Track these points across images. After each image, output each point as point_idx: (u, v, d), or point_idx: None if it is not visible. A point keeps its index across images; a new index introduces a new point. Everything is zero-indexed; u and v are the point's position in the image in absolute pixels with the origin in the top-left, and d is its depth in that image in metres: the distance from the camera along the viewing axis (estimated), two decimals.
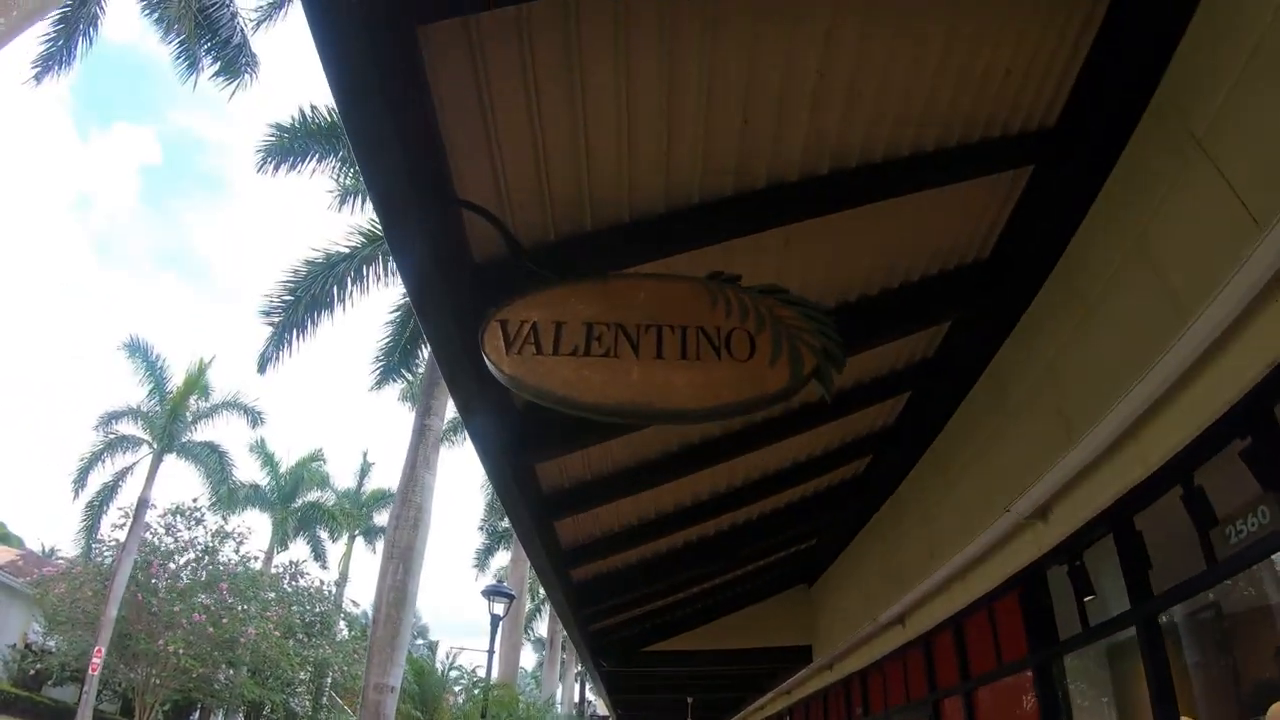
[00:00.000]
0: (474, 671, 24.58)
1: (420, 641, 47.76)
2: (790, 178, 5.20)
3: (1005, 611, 8.23)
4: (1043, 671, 7.46)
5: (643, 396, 3.69)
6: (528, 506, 7.43)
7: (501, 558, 40.13)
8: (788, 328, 3.87)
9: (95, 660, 32.38)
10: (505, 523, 37.57)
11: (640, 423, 3.98)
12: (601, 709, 42.19)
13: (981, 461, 8.17)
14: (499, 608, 18.08)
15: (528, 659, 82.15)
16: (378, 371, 23.52)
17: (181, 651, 33.91)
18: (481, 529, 43.17)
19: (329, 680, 44.87)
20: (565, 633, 25.77)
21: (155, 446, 38.06)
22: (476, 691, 22.24)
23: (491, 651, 18.69)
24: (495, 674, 27.51)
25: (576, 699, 50.37)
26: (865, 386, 8.24)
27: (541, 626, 49.12)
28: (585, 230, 4.93)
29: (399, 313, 22.52)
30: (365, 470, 53.34)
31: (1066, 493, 6.43)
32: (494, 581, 25.16)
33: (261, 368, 21.72)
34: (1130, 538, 6.02)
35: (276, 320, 20.92)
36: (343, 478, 54.84)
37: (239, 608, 37.20)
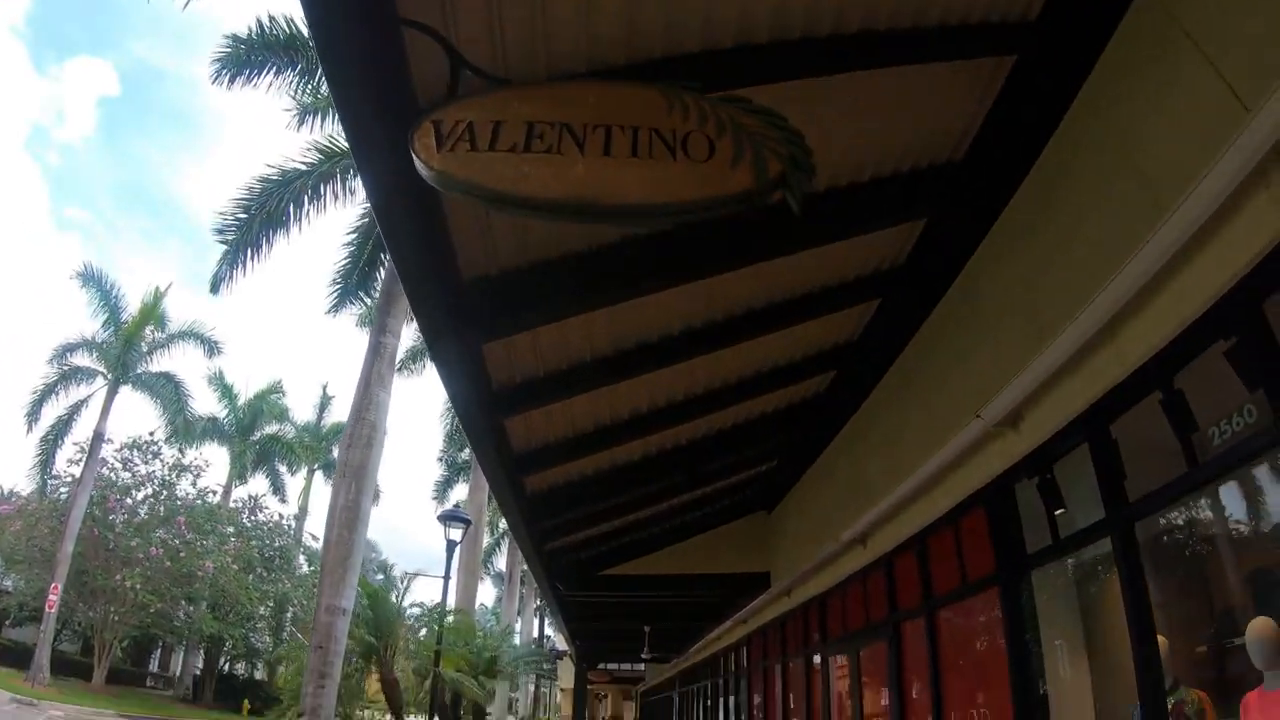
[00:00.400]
0: (433, 610, 24.29)
1: (381, 578, 47.66)
2: (759, 39, 4.89)
3: (971, 528, 8.00)
4: (1009, 589, 7.23)
5: (588, 191, 3.35)
6: (477, 398, 7.15)
7: (460, 491, 39.77)
8: (751, 134, 3.54)
9: (52, 597, 32.17)
10: (465, 454, 37.32)
11: (585, 220, 3.63)
12: (561, 643, 42.25)
13: (951, 371, 7.90)
14: (455, 533, 17.87)
15: (487, 594, 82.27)
16: (335, 294, 23.17)
17: (139, 587, 33.75)
18: (441, 460, 42.84)
19: (289, 614, 44.89)
20: (525, 566, 25.65)
21: (110, 377, 37.59)
22: (435, 626, 22.00)
23: (447, 577, 18.48)
24: (452, 604, 27.35)
25: (536, 634, 50.43)
26: (833, 290, 8.00)
27: (501, 561, 49.03)
28: (540, 80, 4.55)
29: (357, 234, 22.14)
30: (325, 403, 53.11)
31: (1039, 398, 6.16)
32: None
33: (215, 288, 21.29)
34: (1106, 446, 5.78)
35: (230, 238, 20.43)
36: (302, 411, 54.80)
37: (197, 542, 37.02)
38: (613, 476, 10.72)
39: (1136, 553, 5.47)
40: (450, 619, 24.35)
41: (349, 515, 15.47)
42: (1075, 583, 7.20)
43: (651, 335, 7.58)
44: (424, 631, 24.11)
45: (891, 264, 8.02)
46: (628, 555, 15.15)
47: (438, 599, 23.74)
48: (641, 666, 51.27)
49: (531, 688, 54.44)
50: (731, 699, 20.96)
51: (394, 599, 19.83)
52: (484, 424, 7.69)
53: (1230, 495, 5.36)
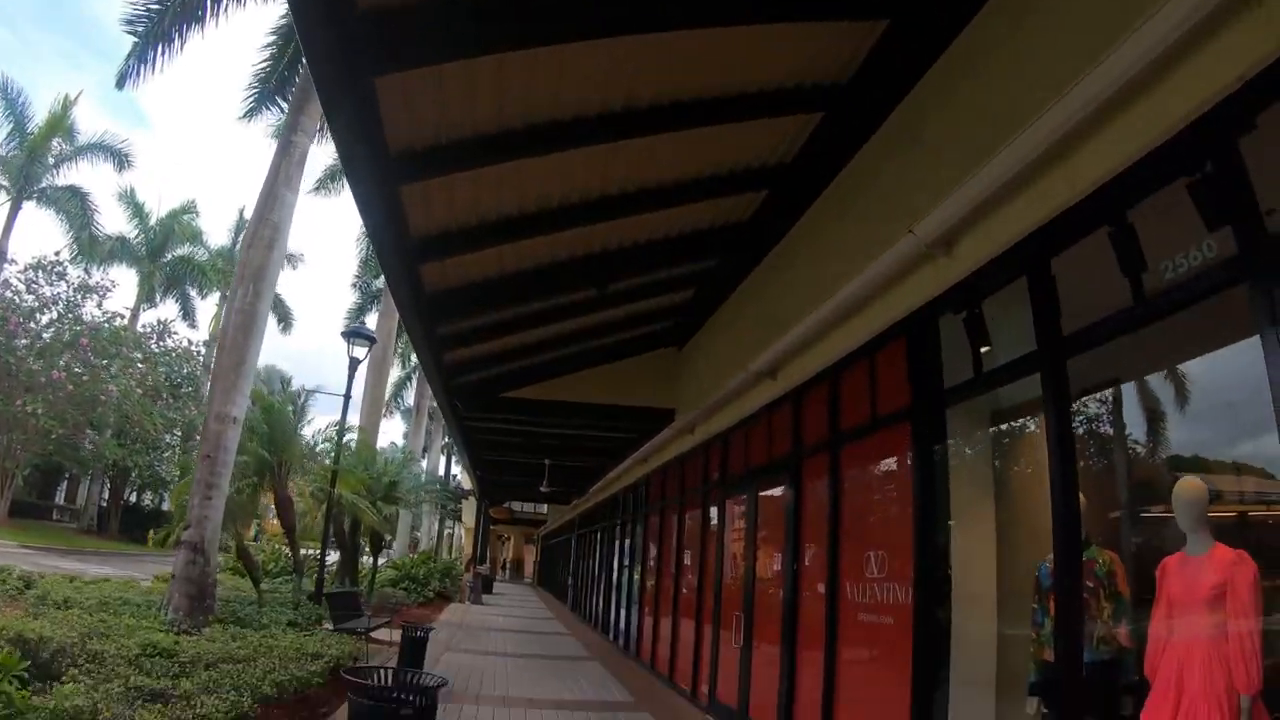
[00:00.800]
0: (332, 427, 23.44)
1: (279, 393, 47.06)
2: None
3: (887, 360, 7.60)
4: (922, 424, 6.87)
5: None
6: (371, 154, 6.45)
7: (372, 320, 38.80)
8: None
9: None
10: (379, 282, 36.25)
11: None
12: (467, 483, 42.09)
13: (889, 198, 7.33)
14: (359, 351, 17.33)
15: (395, 431, 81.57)
16: (252, 98, 21.85)
17: (41, 412, 32.85)
18: (355, 286, 41.72)
19: (196, 443, 44.13)
20: (434, 402, 25.10)
21: (12, 191, 36.00)
22: (333, 446, 21.24)
23: (348, 396, 17.94)
24: (354, 433, 26.79)
25: (442, 472, 50.16)
26: (770, 95, 7.31)
27: (411, 396, 48.27)
28: None
29: (277, 36, 20.79)
30: (241, 227, 51.19)
31: (978, 218, 5.70)
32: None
33: (120, 83, 19.92)
34: (1044, 279, 5.39)
35: (140, 30, 19.04)
36: (217, 235, 53.06)
37: (101, 364, 35.99)
38: (518, 281, 10.02)
39: (1066, 392, 5.15)
40: (350, 439, 23.84)
41: (245, 318, 14.55)
42: (990, 429, 6.93)
43: (565, 112, 6.85)
44: (327, 460, 23.47)
45: (838, 78, 7.35)
46: (531, 378, 14.49)
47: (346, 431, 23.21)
48: (544, 510, 51.74)
49: (435, 525, 54.34)
50: (628, 541, 20.82)
51: (291, 415, 18.98)
52: (378, 189, 6.99)
53: (1168, 357, 5.27)
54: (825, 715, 8.04)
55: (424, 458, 40.24)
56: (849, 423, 8.30)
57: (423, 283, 9.12)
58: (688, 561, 14.29)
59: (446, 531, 62.53)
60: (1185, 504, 4.68)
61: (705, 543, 13.27)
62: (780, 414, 10.07)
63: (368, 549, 24.78)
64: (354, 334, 17.22)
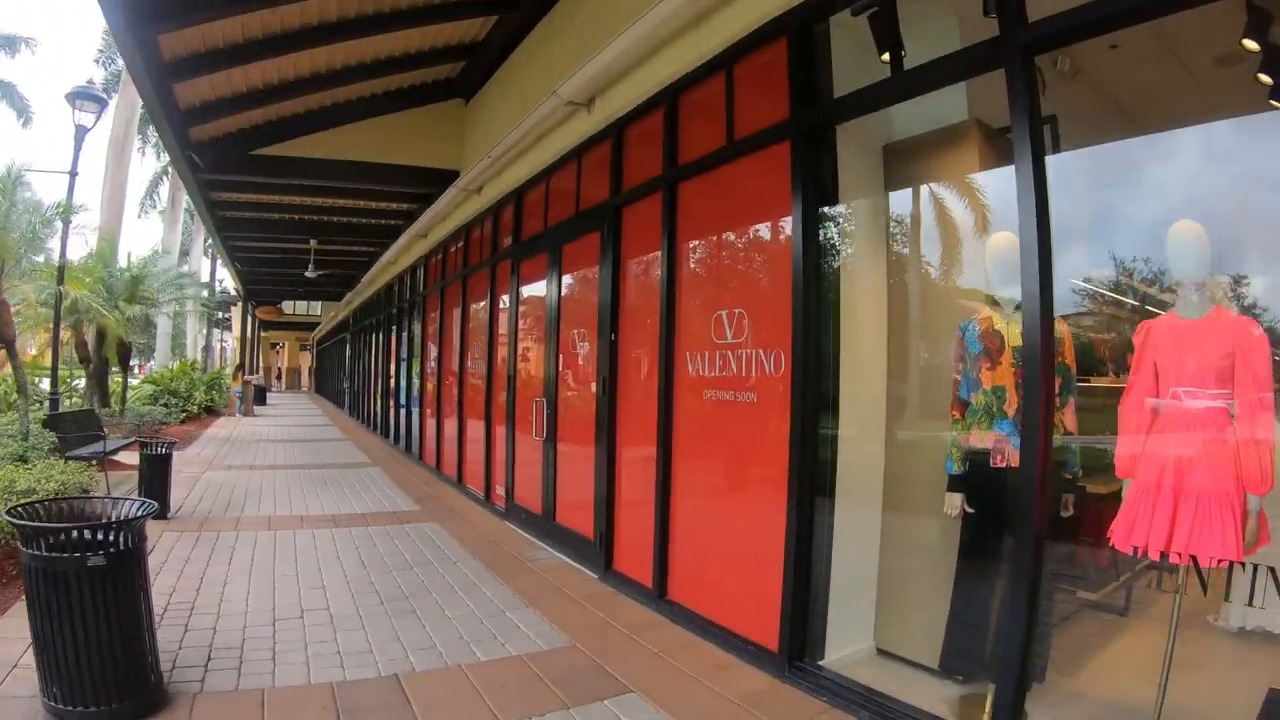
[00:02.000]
0: (54, 209, 19.04)
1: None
2: None
3: (755, 73, 5.73)
4: (805, 144, 5.15)
5: None
6: None
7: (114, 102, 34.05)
8: None
9: None
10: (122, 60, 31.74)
11: None
12: (232, 285, 38.51)
13: None
14: (85, 117, 13.97)
15: (153, 237, 75.50)
16: None
17: None
18: (98, 62, 36.25)
19: None
20: (190, 199, 21.81)
21: None
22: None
23: (74, 173, 14.52)
24: (88, 215, 22.91)
25: (206, 278, 46.02)
26: None
27: (164, 192, 43.34)
28: None
29: None
30: None
31: None
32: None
33: None
34: None
35: None
36: None
37: None
38: None
39: (1037, 98, 3.81)
40: (83, 231, 20.40)
41: None
42: (882, 167, 5.47)
43: None
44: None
45: None
46: (291, 131, 11.63)
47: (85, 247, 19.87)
48: (318, 310, 48.72)
49: (202, 336, 50.27)
50: (406, 334, 18.74)
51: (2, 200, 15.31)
52: None
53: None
54: (661, 511, 6.51)
55: (184, 262, 36.13)
56: (695, 153, 6.30)
57: None
58: (476, 349, 12.23)
59: (217, 343, 58.30)
60: (1185, 248, 3.74)
61: (495, 324, 11.22)
62: (596, 154, 7.96)
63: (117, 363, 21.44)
64: (80, 95, 13.66)
